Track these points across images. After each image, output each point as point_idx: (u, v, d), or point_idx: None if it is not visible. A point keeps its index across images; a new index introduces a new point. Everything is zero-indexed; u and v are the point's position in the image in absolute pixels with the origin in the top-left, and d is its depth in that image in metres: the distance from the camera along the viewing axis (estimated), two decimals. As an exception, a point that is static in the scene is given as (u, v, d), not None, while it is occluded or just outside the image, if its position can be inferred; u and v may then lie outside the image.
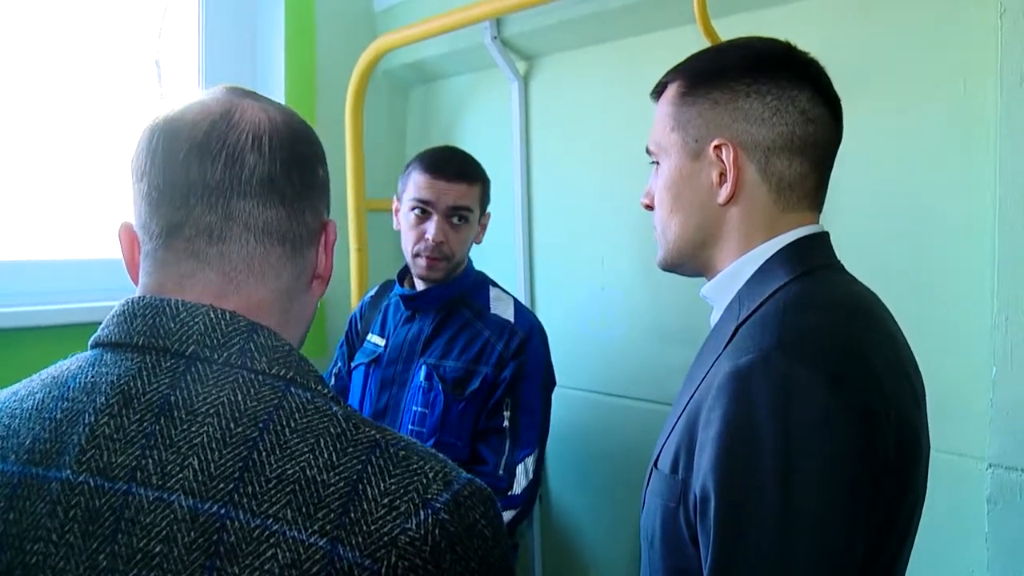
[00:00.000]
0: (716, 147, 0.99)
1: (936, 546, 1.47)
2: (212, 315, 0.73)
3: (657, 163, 1.08)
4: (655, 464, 1.00)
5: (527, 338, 1.83)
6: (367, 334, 2.00)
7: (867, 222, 1.61)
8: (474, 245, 1.92)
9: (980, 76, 1.46)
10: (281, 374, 0.73)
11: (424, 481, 0.68)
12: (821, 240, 1.03)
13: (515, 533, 1.91)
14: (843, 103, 1.03)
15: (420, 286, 1.89)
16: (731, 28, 1.55)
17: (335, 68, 2.45)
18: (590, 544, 2.25)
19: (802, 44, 1.04)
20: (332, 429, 0.69)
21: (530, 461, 1.78)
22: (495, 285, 1.95)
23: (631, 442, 2.06)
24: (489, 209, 1.93)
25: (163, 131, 0.77)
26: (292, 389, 0.72)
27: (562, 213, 2.26)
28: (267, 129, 0.77)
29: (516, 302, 1.91)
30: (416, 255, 1.83)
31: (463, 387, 1.78)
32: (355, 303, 2.35)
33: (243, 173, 0.75)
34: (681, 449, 0.93)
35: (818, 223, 1.03)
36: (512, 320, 1.85)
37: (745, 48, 1.04)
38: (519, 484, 1.76)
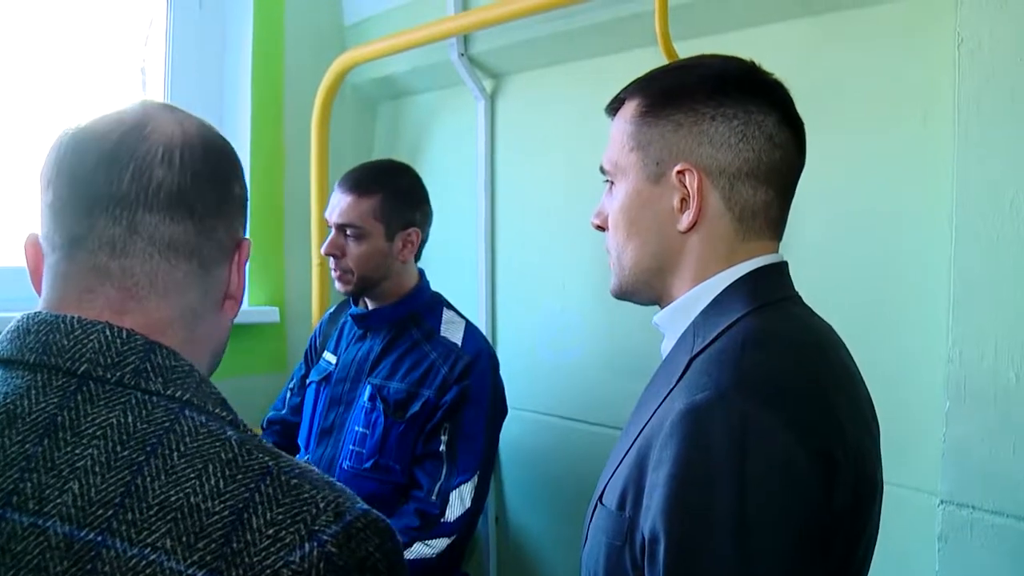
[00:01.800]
0: (679, 172, 0.93)
1: (886, 583, 1.45)
2: (108, 333, 0.70)
3: (612, 183, 1.02)
4: (600, 499, 0.95)
5: (472, 363, 1.77)
6: (323, 351, 1.97)
7: (823, 251, 1.59)
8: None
9: (939, 105, 1.44)
10: (177, 396, 0.69)
11: (313, 511, 0.64)
12: (779, 270, 0.98)
13: (460, 562, 1.86)
14: (806, 132, 0.99)
15: (372, 305, 1.86)
16: (694, 51, 1.52)
17: (303, 81, 2.43)
18: (548, 568, 2.21)
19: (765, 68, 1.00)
20: (223, 455, 0.66)
21: (467, 488, 1.71)
22: (450, 307, 1.90)
23: (588, 466, 2.01)
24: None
25: (72, 141, 0.74)
26: (187, 412, 0.69)
27: (525, 233, 2.24)
28: (180, 143, 0.74)
29: (468, 325, 1.86)
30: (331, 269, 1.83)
31: (404, 409, 1.73)
32: (316, 319, 2.32)
33: (151, 186, 0.72)
34: (629, 486, 0.88)
35: (778, 252, 0.99)
36: (460, 344, 1.79)
37: (707, 67, 0.98)
38: (452, 511, 1.69)
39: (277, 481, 0.65)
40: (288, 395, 2.04)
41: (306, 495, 0.65)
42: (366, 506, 0.68)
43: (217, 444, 0.67)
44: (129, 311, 0.73)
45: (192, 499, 0.62)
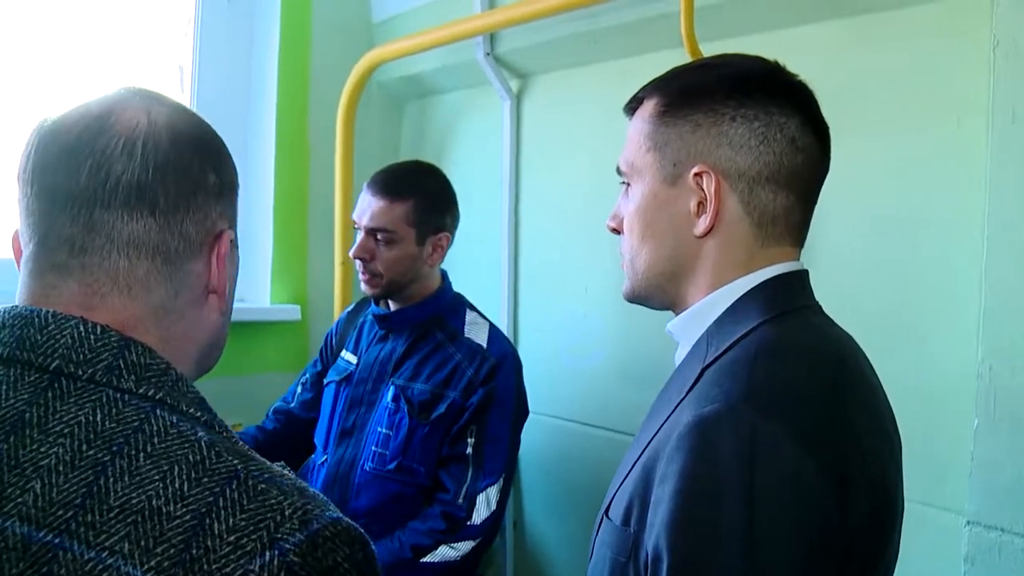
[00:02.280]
0: (696, 174, 0.90)
1: (909, 605, 1.40)
2: (81, 328, 0.68)
3: (628, 184, 0.99)
4: (606, 513, 0.91)
5: (498, 365, 1.76)
6: (341, 350, 1.96)
7: (848, 258, 1.55)
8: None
9: (974, 110, 1.39)
10: (149, 394, 0.68)
11: (278, 518, 0.62)
12: (799, 278, 0.94)
13: (479, 564, 1.84)
14: (832, 135, 0.95)
15: (394, 306, 1.84)
16: (720, 53, 1.49)
17: (330, 79, 2.42)
18: (565, 574, 2.18)
19: (793, 72, 0.97)
20: (191, 456, 0.64)
21: (492, 491, 1.71)
22: (473, 309, 1.89)
23: (607, 473, 1.97)
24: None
25: (42, 134, 0.72)
26: (158, 411, 0.67)
27: (549, 235, 2.21)
28: (143, 133, 0.72)
29: (492, 327, 1.85)
30: (357, 271, 1.80)
31: (429, 411, 1.72)
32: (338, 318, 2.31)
33: (108, 181, 0.70)
34: (635, 500, 0.85)
35: (799, 259, 0.95)
36: (485, 345, 1.79)
37: (729, 67, 0.94)
38: (479, 514, 1.69)
39: (244, 486, 0.63)
40: (299, 390, 2.02)
41: (272, 501, 0.63)
42: (337, 514, 0.65)
43: (186, 445, 0.65)
44: (95, 307, 0.71)
45: (154, 502, 0.61)
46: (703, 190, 0.90)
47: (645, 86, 0.98)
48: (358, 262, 1.77)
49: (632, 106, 1.00)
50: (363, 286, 1.80)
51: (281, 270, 2.38)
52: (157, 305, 0.73)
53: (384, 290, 1.78)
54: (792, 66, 0.94)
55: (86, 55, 2.09)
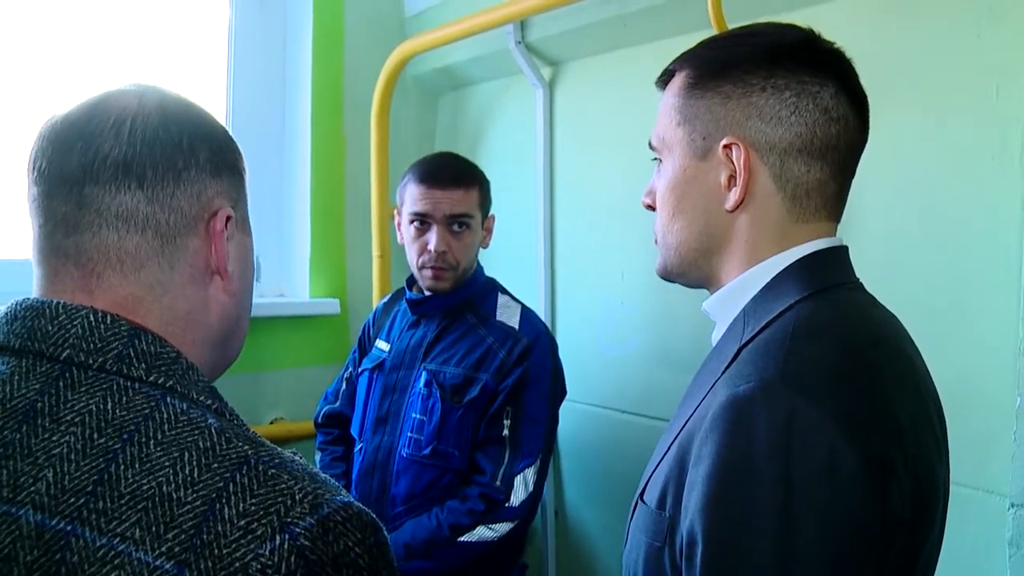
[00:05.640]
0: (726, 147, 0.88)
1: (952, 589, 1.37)
2: (92, 318, 0.69)
3: (660, 160, 0.97)
4: (641, 497, 0.90)
5: (531, 345, 1.76)
6: (376, 339, 1.97)
7: (888, 236, 1.51)
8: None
9: (1013, 83, 1.35)
10: (159, 382, 0.68)
11: (288, 503, 0.62)
12: (838, 255, 0.91)
13: (521, 551, 1.84)
14: (869, 106, 0.92)
15: (428, 292, 1.85)
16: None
17: (364, 73, 2.44)
18: (606, 561, 2.17)
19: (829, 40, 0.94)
20: (201, 443, 0.64)
21: (530, 472, 1.71)
22: (504, 292, 1.90)
23: (647, 461, 1.98)
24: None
25: (42, 130, 0.74)
26: (168, 399, 0.67)
27: (584, 223, 2.20)
28: (133, 113, 0.72)
29: (524, 309, 1.85)
30: (421, 267, 1.80)
31: (461, 394, 1.73)
32: (376, 310, 2.33)
33: (97, 159, 0.70)
34: (670, 484, 0.83)
35: (835, 235, 0.92)
36: (517, 327, 1.79)
37: (761, 36, 0.91)
38: (517, 496, 1.69)
39: (254, 471, 0.64)
40: (344, 386, 2.04)
41: (283, 486, 0.63)
42: (348, 499, 0.65)
43: (196, 432, 0.65)
44: (95, 289, 0.72)
45: (164, 488, 0.61)
46: (733, 163, 0.88)
47: (676, 58, 0.96)
48: (429, 256, 1.77)
49: (664, 79, 0.98)
50: (429, 282, 1.80)
51: (319, 264, 2.41)
52: (152, 281, 0.73)
53: (454, 282, 1.80)
54: (827, 39, 0.91)
55: (123, 62, 2.13)
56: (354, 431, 1.91)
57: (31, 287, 0.75)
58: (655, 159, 0.98)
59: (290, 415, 2.28)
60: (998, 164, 1.38)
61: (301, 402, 2.28)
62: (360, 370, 1.95)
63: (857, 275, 0.93)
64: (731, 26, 1.59)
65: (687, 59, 0.95)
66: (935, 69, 1.48)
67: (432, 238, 1.77)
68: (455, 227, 1.78)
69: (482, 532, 1.67)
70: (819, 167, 0.87)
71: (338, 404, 2.02)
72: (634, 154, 2.01)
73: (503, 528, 1.69)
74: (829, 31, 0.92)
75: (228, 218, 0.78)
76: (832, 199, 0.90)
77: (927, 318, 1.42)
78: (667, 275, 0.99)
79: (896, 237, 1.51)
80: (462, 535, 1.66)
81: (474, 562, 1.68)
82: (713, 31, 1.61)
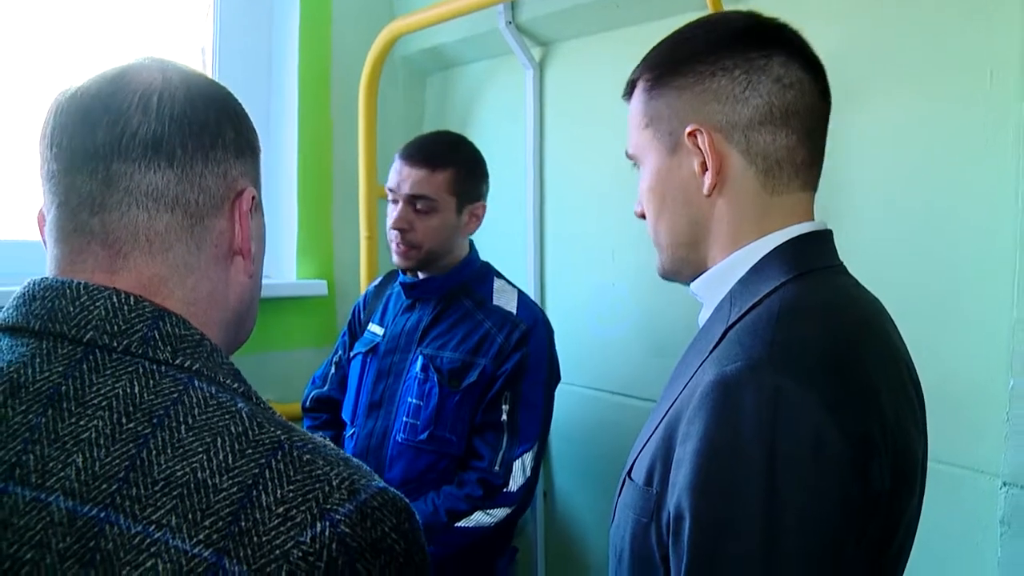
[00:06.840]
0: (690, 134, 0.91)
1: (945, 570, 1.39)
2: (115, 299, 0.68)
3: (639, 167, 1.00)
4: (628, 474, 0.91)
5: (530, 331, 1.76)
6: (368, 323, 1.96)
7: (879, 220, 1.52)
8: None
9: (1007, 68, 1.36)
10: (186, 365, 0.67)
11: (326, 489, 0.61)
12: (823, 238, 0.94)
13: (512, 535, 1.85)
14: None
15: (423, 275, 1.84)
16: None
17: (351, 53, 2.41)
18: (595, 543, 2.19)
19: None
20: (233, 428, 0.63)
21: (528, 458, 1.71)
22: (500, 276, 1.89)
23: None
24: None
25: (60, 101, 0.72)
26: (196, 382, 0.66)
27: (575, 204, 2.20)
28: (158, 89, 0.71)
29: (520, 294, 1.85)
30: (390, 243, 1.79)
31: (460, 379, 1.72)
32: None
33: (125, 135, 0.69)
34: (657, 461, 0.85)
35: (812, 209, 0.94)
36: (515, 312, 1.79)
37: (706, 26, 0.95)
38: (515, 481, 1.70)
39: (289, 456, 0.63)
40: (333, 370, 2.02)
41: (319, 471, 0.62)
42: (383, 483, 0.65)
43: (227, 417, 0.64)
44: (119, 270, 0.70)
45: (199, 474, 0.60)
46: (700, 149, 0.90)
47: (635, 69, 0.99)
48: (394, 233, 1.76)
49: (628, 91, 1.01)
50: (397, 259, 1.79)
51: (307, 246, 2.39)
52: (179, 262, 0.72)
53: (420, 261, 1.78)
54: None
55: (107, 39, 2.09)
56: (346, 415, 1.90)
57: (23, 267, 0.73)
58: (635, 167, 1.01)
59: (278, 398, 2.27)
60: (992, 148, 1.39)
61: (289, 385, 2.27)
62: (352, 354, 1.93)
63: (852, 259, 0.95)
64: (726, 6, 1.58)
65: (643, 65, 0.98)
66: (928, 54, 1.48)
67: (394, 214, 1.76)
68: (417, 206, 1.75)
69: (479, 518, 1.67)
70: (784, 134, 0.89)
71: (326, 388, 2.01)
72: (624, 135, 2.00)
73: (500, 514, 1.69)
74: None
75: (252, 198, 0.77)
76: (804, 166, 0.92)
77: (922, 301, 1.43)
78: (666, 275, 1.02)
79: (891, 220, 1.51)
80: (459, 520, 1.66)
81: (468, 547, 1.68)
82: (708, 10, 1.60)
